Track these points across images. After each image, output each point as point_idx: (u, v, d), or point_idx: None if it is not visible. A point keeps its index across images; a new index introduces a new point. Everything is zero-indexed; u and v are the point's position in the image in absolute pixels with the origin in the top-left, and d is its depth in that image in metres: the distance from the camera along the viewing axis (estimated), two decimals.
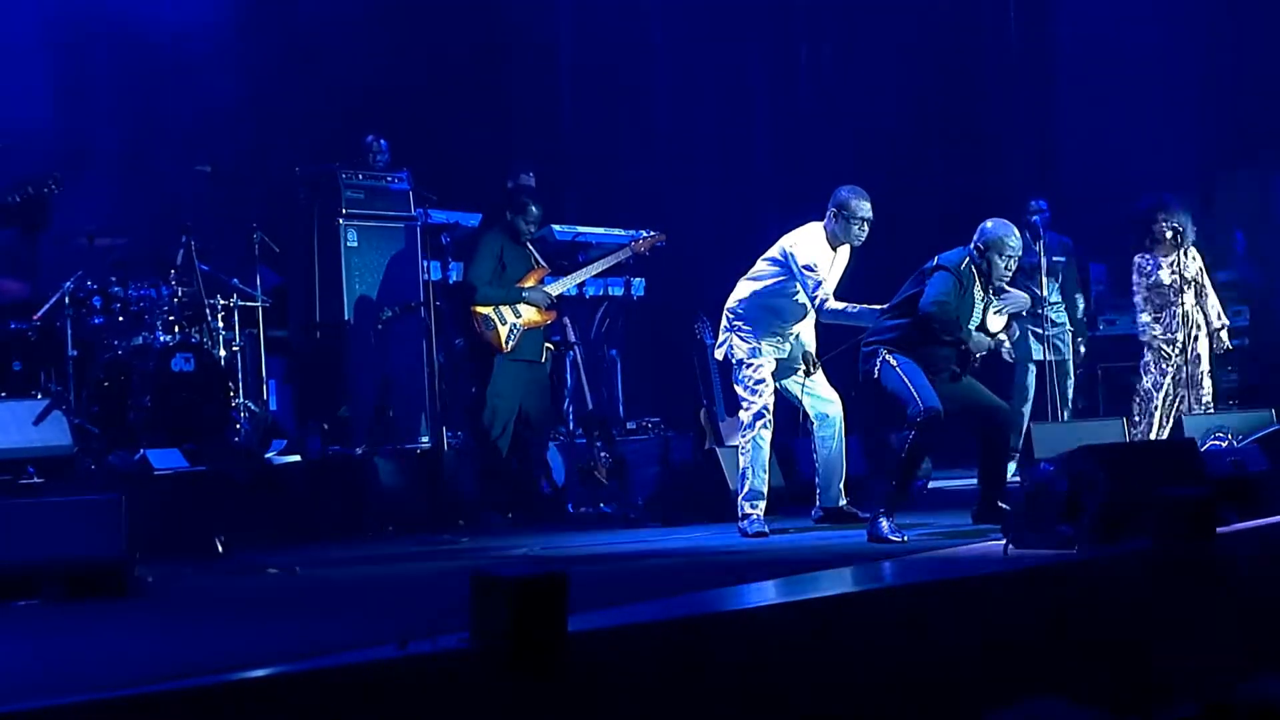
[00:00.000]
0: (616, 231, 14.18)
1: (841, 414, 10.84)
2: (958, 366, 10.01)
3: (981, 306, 10.00)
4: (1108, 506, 8.14)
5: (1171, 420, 12.62)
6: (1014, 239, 9.96)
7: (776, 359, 10.68)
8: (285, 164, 13.52)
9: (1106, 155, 17.23)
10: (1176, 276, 12.64)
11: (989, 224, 10.01)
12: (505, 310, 11.79)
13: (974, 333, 9.98)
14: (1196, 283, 12.70)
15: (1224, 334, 12.75)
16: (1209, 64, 17.45)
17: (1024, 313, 10.61)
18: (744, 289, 10.79)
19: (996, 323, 10.12)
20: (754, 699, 6.01)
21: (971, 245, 9.97)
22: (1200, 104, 17.32)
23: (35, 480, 10.24)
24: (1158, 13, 17.44)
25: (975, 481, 10.30)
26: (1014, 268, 10.04)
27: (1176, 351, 12.68)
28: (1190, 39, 17.46)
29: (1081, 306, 14.38)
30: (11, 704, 4.90)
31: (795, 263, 10.50)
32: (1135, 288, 12.91)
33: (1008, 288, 10.18)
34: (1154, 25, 17.39)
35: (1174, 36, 17.39)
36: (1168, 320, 12.72)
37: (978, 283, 9.95)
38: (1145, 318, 12.85)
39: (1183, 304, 12.66)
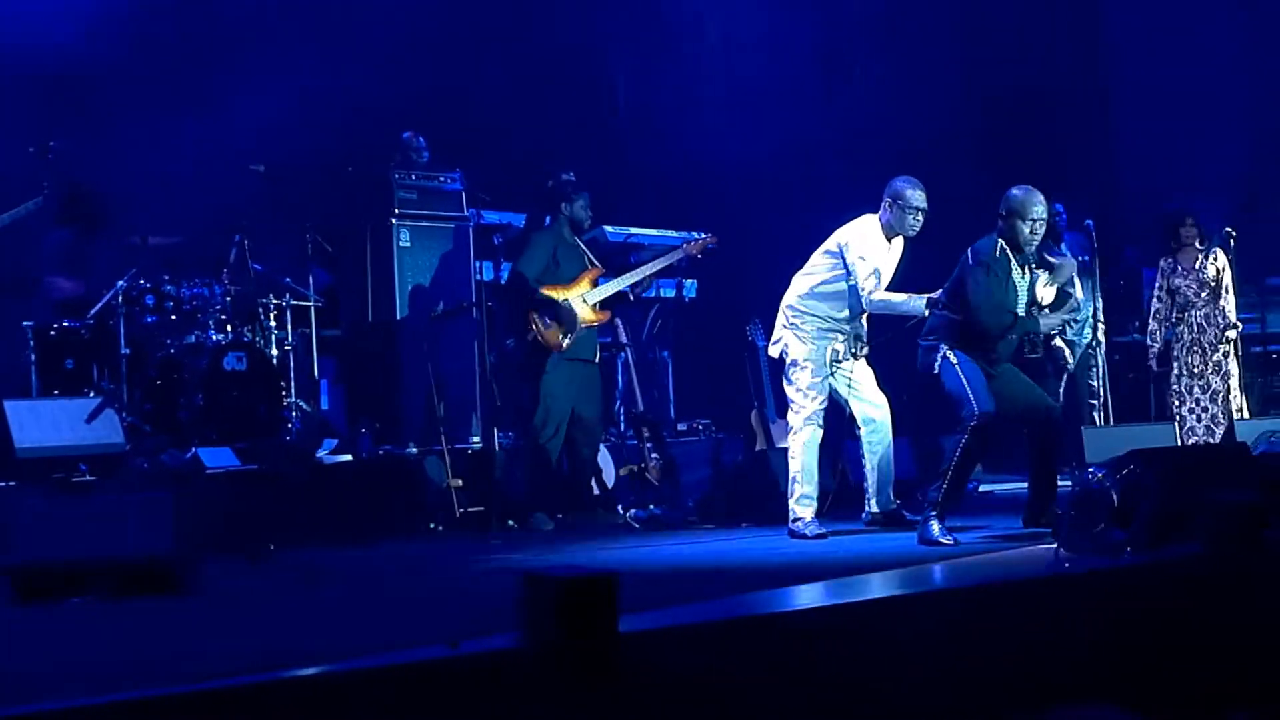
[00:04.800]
0: (669, 233, 14.18)
1: (889, 418, 10.82)
2: (1021, 352, 10.00)
3: (1027, 284, 9.94)
4: (1158, 511, 8.11)
5: (1214, 424, 12.58)
6: (1038, 204, 9.81)
7: (831, 359, 10.65)
8: (338, 164, 13.53)
9: (1164, 159, 17.18)
10: (1194, 281, 12.68)
11: (1013, 190, 9.90)
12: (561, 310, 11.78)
13: (1034, 318, 9.93)
14: (1216, 286, 12.72)
15: (1230, 333, 12.75)
16: (1268, 66, 17.36)
17: (1074, 280, 10.51)
18: (800, 284, 10.78)
19: (1048, 293, 10.03)
20: (803, 700, 6.01)
21: (998, 220, 9.91)
22: (1257, 107, 17.24)
23: (87, 478, 10.27)
24: (1213, 15, 17.37)
25: (1026, 485, 10.28)
26: (1040, 231, 9.88)
27: (1199, 356, 12.69)
28: (1247, 43, 17.37)
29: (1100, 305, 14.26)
30: (61, 700, 4.93)
31: (849, 254, 10.51)
32: (1156, 290, 12.93)
33: (1051, 259, 10.10)
34: (1210, 28, 17.32)
35: (1231, 40, 17.31)
36: (1190, 320, 12.74)
37: (1014, 261, 9.88)
38: (1152, 325, 12.89)
39: (1201, 307, 12.68)
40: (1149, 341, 13.00)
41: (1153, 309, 12.98)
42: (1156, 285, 12.97)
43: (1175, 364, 12.84)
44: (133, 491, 9.89)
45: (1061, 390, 13.58)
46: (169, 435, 11.39)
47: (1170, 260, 12.90)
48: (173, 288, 11.83)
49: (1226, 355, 12.74)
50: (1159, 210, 13.63)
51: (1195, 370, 12.74)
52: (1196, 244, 12.78)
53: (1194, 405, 12.70)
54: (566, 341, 11.76)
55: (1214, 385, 12.68)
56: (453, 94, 14.93)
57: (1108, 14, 18.29)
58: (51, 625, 7.50)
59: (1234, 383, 12.77)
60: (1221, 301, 12.73)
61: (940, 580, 8.36)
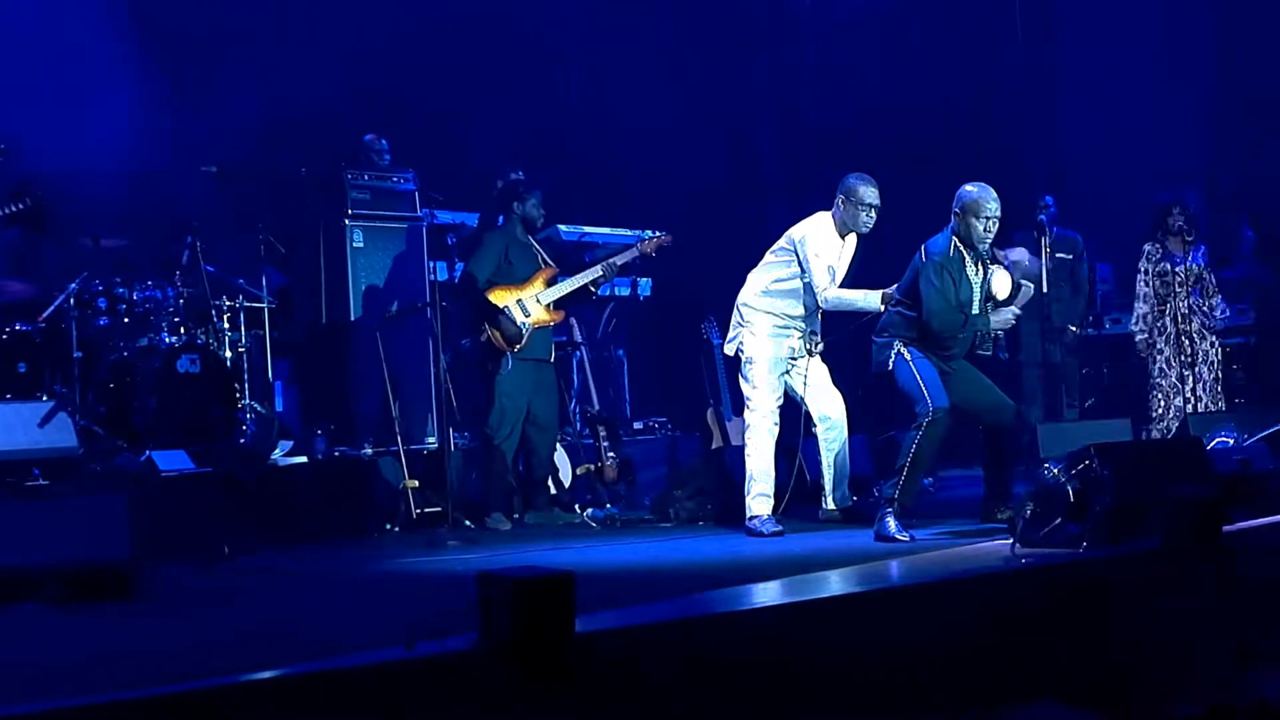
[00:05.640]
0: (623, 231, 14.16)
1: (844, 414, 10.83)
2: (973, 347, 10.01)
3: (981, 281, 9.93)
4: (1115, 506, 8.13)
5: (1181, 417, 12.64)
6: (992, 201, 9.77)
7: (786, 357, 10.67)
8: (291, 164, 13.47)
9: (1113, 153, 17.24)
10: (1180, 271, 12.73)
11: (967, 187, 9.86)
12: (514, 309, 11.74)
13: (988, 315, 9.92)
14: (1204, 276, 12.81)
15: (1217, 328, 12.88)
16: (1218, 61, 17.44)
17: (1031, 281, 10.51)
18: (755, 282, 10.78)
19: (1002, 287, 10.00)
20: (760, 698, 6.01)
21: (951, 217, 9.89)
22: (1208, 101, 17.32)
23: (40, 482, 10.21)
24: (1165, 9, 17.43)
25: (982, 480, 10.29)
26: (994, 229, 9.85)
27: (1182, 347, 12.73)
28: (1199, 36, 17.45)
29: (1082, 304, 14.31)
30: (15, 706, 4.90)
31: (803, 251, 10.51)
32: (1140, 274, 12.95)
33: (1000, 255, 10.10)
34: (1161, 22, 17.39)
35: (1181, 33, 17.38)
36: (1173, 310, 12.77)
37: (967, 258, 9.87)
38: (1143, 308, 12.90)
39: (1185, 297, 12.72)
40: (1139, 329, 12.97)
41: (1140, 294, 12.98)
42: (1142, 269, 12.98)
43: (1158, 356, 12.86)
44: (87, 495, 9.83)
45: (1037, 382, 13.69)
46: (123, 438, 11.33)
47: (1158, 247, 12.93)
48: (125, 290, 11.77)
49: (1213, 346, 12.85)
50: (1117, 205, 13.70)
51: (1187, 361, 12.75)
52: (1185, 236, 12.81)
53: (1189, 395, 12.72)
54: (519, 345, 11.72)
55: (1205, 376, 12.73)
56: (406, 94, 14.90)
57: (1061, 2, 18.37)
58: (2, 629, 7.44)
59: (1218, 374, 12.90)
60: (1211, 293, 12.84)
61: (896, 577, 8.36)
